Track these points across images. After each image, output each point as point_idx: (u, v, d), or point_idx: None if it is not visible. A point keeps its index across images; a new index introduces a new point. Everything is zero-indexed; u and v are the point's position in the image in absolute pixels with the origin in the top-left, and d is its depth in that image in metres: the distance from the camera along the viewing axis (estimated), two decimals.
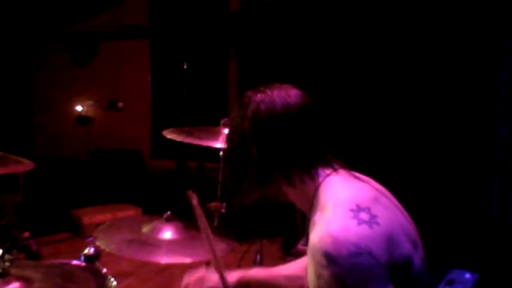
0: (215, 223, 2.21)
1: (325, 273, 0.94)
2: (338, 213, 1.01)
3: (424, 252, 1.09)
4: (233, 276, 1.45)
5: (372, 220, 0.98)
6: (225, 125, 2.24)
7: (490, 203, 3.25)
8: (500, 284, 3.07)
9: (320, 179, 1.11)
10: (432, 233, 1.24)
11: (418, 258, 1.04)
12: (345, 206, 1.01)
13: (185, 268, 1.59)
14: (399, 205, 1.14)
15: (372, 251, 0.94)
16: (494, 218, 3.21)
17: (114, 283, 1.66)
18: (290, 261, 1.53)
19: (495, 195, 3.22)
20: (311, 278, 1.01)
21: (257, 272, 1.48)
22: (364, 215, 0.99)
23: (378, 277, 0.94)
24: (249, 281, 1.44)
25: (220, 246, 1.40)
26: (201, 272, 1.51)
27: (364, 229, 0.97)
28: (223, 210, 2.22)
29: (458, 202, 3.46)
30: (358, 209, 1.00)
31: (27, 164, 1.97)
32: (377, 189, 1.12)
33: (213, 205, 2.22)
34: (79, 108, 6.20)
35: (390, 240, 0.98)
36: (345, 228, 0.97)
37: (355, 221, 0.97)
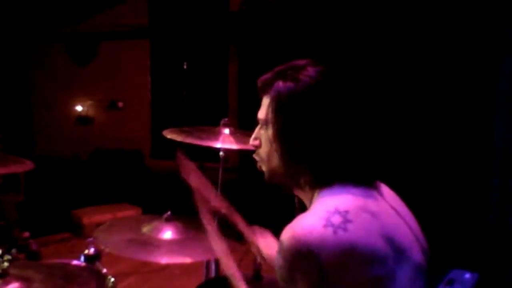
0: (215, 223, 2.21)
1: (277, 257, 0.99)
2: (314, 210, 1.02)
3: (424, 263, 1.06)
4: None
5: (341, 226, 0.95)
6: (225, 125, 2.23)
7: (490, 202, 3.25)
8: (500, 284, 3.07)
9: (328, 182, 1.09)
10: (432, 233, 1.24)
11: (404, 273, 0.99)
12: (325, 206, 1.01)
13: (185, 268, 1.58)
14: (406, 213, 1.12)
15: (321, 259, 0.93)
16: (494, 217, 3.21)
17: (114, 283, 1.67)
18: None
19: (494, 195, 3.21)
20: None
21: None
22: (336, 219, 0.96)
23: (309, 281, 0.95)
24: None
25: (220, 246, 1.39)
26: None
27: (326, 233, 0.94)
28: (223, 210, 2.21)
29: (457, 202, 3.46)
30: (334, 211, 0.98)
31: (27, 164, 1.97)
32: (375, 198, 1.07)
33: None
34: (79, 108, 6.21)
35: (352, 253, 0.94)
36: (308, 227, 0.96)
37: (322, 222, 0.96)
